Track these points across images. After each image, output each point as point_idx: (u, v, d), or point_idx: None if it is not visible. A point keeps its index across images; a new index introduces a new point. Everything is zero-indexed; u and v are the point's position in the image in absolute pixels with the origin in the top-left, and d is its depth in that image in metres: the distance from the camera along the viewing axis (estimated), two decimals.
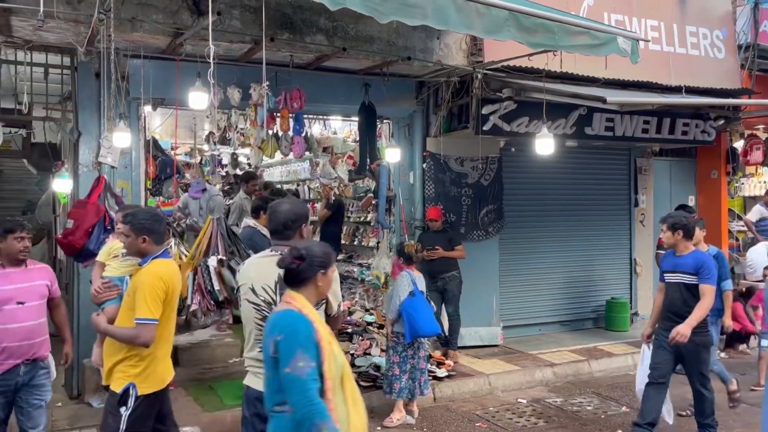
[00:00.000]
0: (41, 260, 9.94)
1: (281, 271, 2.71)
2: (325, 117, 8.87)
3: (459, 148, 7.89)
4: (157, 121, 8.66)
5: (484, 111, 7.24)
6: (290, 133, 6.91)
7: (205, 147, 11.38)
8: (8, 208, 10.72)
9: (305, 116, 7.47)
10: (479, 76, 7.03)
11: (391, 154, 7.57)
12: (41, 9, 3.89)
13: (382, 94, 7.13)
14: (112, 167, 6.07)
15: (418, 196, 7.91)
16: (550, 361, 7.38)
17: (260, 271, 3.01)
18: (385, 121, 8.09)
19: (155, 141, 8.44)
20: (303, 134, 7.15)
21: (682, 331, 4.78)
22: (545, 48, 5.57)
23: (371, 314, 8.04)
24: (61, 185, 6.54)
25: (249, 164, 10.27)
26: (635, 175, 9.61)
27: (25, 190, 11.28)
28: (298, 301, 2.66)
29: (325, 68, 6.90)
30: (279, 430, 2.60)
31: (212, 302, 5.06)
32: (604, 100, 6.42)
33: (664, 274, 5.19)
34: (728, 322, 5.91)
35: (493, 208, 8.20)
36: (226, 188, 10.94)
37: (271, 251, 3.05)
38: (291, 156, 7.49)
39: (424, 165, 7.87)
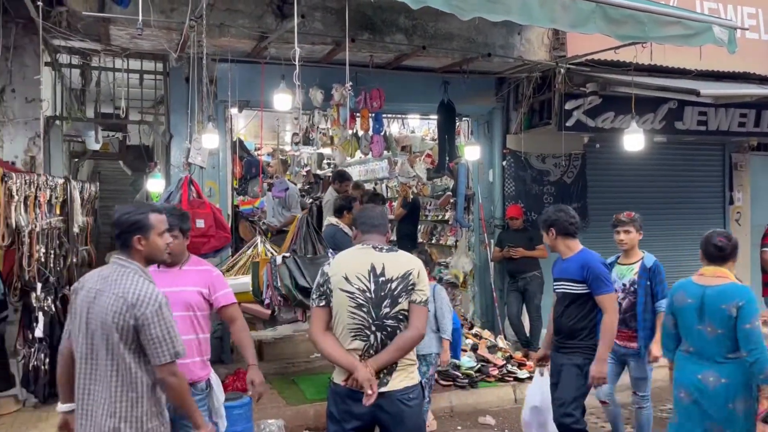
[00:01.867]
0: None
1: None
2: (403, 116, 8.90)
3: (540, 145, 7.71)
4: (242, 123, 8.95)
5: (568, 106, 7.04)
6: (370, 132, 6.99)
7: (287, 147, 11.72)
8: (106, 206, 11.37)
9: (384, 115, 7.51)
10: (562, 70, 6.84)
11: (470, 152, 7.51)
12: (140, 18, 4.11)
13: (461, 91, 7.08)
14: (201, 167, 6.32)
15: (498, 194, 7.79)
16: None
17: (354, 261, 3.08)
18: (464, 118, 8.04)
19: (241, 142, 8.72)
20: (382, 133, 7.21)
21: (597, 372, 3.93)
22: (634, 40, 5.37)
23: None
24: (155, 185, 6.89)
25: (329, 163, 10.46)
26: (730, 171, 9.07)
27: (120, 190, 11.94)
28: (729, 275, 3.60)
29: (404, 67, 6.92)
30: (731, 374, 3.50)
31: (279, 297, 5.17)
32: (697, 93, 6.09)
33: (553, 283, 4.32)
34: (656, 350, 4.47)
35: (576, 206, 7.92)
36: (306, 187, 11.18)
37: (363, 245, 3.14)
38: (370, 155, 7.56)
39: (504, 162, 7.75)
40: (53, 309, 5.24)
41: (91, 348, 2.67)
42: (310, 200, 10.51)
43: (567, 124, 7.08)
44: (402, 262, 3.08)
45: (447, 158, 7.48)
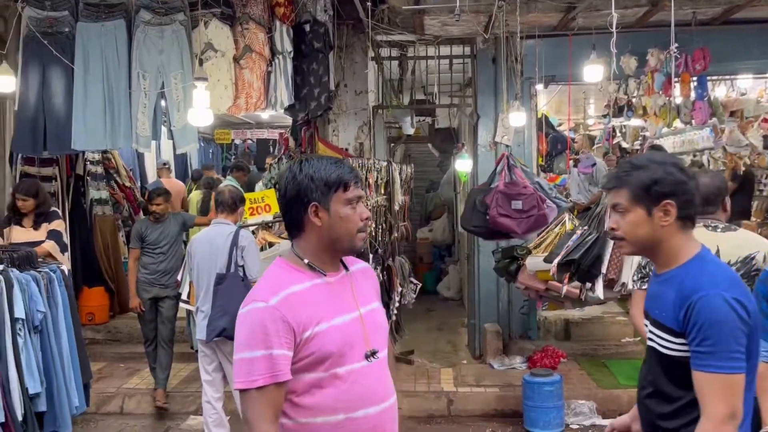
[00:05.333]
0: (442, 234, 11.33)
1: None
2: (733, 77, 7.79)
3: None
4: (544, 99, 8.81)
5: None
6: (691, 98, 6.28)
7: (590, 121, 11.22)
8: (416, 187, 12.38)
9: (708, 78, 6.67)
10: None
11: None
12: (458, 4, 4.31)
13: None
14: (507, 146, 6.42)
15: None
16: None
17: None
18: None
19: (546, 118, 8.62)
20: (705, 98, 6.42)
21: None
22: None
23: None
24: (462, 165, 7.23)
25: (643, 136, 9.76)
26: None
27: (427, 171, 12.86)
28: None
29: (734, 21, 6.04)
30: None
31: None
32: None
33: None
34: None
35: None
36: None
37: None
38: (689, 124, 6.80)
39: None
40: (381, 277, 5.88)
41: None
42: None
43: None
44: (742, 244, 2.74)
45: None
